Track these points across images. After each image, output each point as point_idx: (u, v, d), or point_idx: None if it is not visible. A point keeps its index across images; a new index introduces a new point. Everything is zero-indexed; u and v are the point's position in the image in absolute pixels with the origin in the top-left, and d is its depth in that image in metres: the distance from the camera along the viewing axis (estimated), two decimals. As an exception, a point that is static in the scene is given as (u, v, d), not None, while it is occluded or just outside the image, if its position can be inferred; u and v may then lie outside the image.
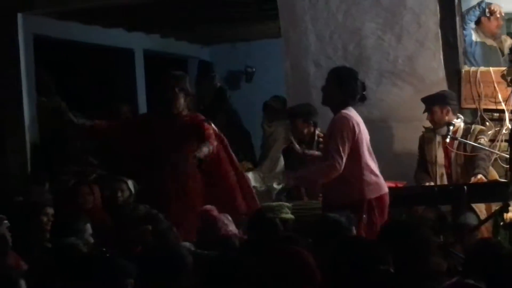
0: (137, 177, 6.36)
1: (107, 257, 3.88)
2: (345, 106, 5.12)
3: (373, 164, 5.13)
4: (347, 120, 5.04)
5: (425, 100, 6.14)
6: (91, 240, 4.92)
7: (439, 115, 6.05)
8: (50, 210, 5.60)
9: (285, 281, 3.57)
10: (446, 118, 6.03)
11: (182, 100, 5.93)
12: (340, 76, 5.19)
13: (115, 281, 3.64)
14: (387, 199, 5.12)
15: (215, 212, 4.92)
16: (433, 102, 6.09)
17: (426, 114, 6.15)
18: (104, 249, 4.54)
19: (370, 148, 5.19)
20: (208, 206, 5.06)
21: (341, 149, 4.95)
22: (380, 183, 5.12)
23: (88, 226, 5.00)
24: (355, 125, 5.04)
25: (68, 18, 8.22)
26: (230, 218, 5.00)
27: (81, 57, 8.97)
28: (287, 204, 4.80)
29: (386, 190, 5.16)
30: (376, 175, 5.11)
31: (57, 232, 5.04)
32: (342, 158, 4.95)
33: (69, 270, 3.93)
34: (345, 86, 5.14)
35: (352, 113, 5.12)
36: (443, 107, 6.05)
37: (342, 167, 4.95)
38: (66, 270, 3.95)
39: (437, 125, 6.08)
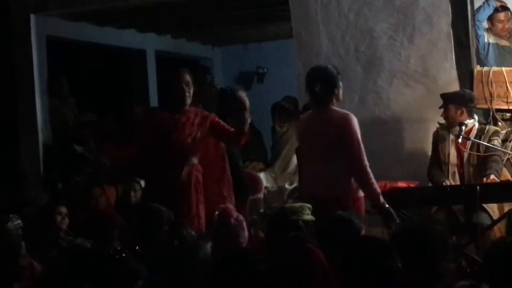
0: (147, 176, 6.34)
1: (117, 258, 3.89)
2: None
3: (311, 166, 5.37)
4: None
5: (443, 96, 6.13)
6: (117, 244, 4.92)
7: (453, 114, 6.03)
8: (64, 209, 5.66)
9: (297, 279, 3.58)
10: (460, 118, 6.01)
11: (189, 95, 5.91)
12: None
13: (123, 282, 3.65)
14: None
15: (233, 214, 4.86)
16: (449, 100, 6.06)
17: (440, 111, 6.13)
18: (117, 249, 4.54)
19: (315, 150, 5.33)
20: (229, 207, 4.99)
21: None
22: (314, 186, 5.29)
23: (115, 230, 5.00)
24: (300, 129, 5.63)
25: (81, 19, 8.26)
26: (244, 221, 4.95)
27: (93, 58, 9.01)
28: (308, 205, 4.78)
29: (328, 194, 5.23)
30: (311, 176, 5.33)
31: (80, 234, 5.06)
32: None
33: (77, 270, 3.94)
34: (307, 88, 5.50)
35: (307, 115, 5.51)
36: (458, 107, 6.02)
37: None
38: (75, 271, 3.96)
39: (450, 124, 6.05)
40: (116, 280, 3.68)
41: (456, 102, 6.05)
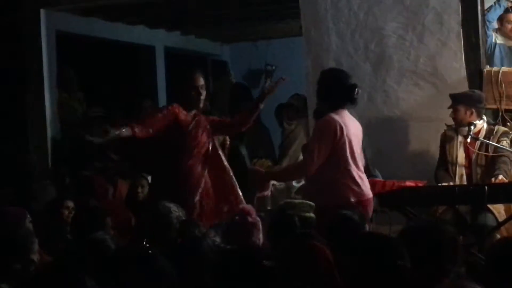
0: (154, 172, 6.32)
1: (149, 255, 3.78)
2: (334, 108, 5.12)
3: (354, 170, 5.12)
4: (328, 123, 5.04)
5: (452, 96, 6.12)
6: (111, 233, 4.93)
7: (462, 114, 6.02)
8: (70, 204, 5.67)
9: (303, 275, 3.58)
10: (469, 119, 5.99)
11: (204, 98, 5.90)
12: (326, 79, 5.30)
13: (151, 281, 3.59)
14: (367, 204, 5.10)
15: (252, 213, 4.82)
16: (458, 101, 6.05)
17: (449, 111, 6.12)
18: (147, 246, 4.51)
19: (357, 152, 5.14)
20: (248, 206, 4.96)
21: (315, 152, 5.00)
22: (360, 190, 5.10)
23: (108, 220, 5.01)
24: (338, 129, 5.02)
25: (90, 14, 8.28)
26: (260, 222, 4.92)
27: (103, 53, 9.03)
28: (310, 202, 4.75)
29: (369, 196, 5.14)
30: (355, 181, 5.10)
31: (78, 226, 5.07)
32: (313, 161, 5.00)
33: (99, 264, 3.91)
34: (332, 88, 5.21)
35: (339, 115, 5.09)
36: (467, 108, 6.01)
37: (312, 169, 5.01)
38: (95, 264, 3.92)
39: (459, 124, 6.04)
40: (145, 278, 3.59)
41: (466, 102, 6.03)
